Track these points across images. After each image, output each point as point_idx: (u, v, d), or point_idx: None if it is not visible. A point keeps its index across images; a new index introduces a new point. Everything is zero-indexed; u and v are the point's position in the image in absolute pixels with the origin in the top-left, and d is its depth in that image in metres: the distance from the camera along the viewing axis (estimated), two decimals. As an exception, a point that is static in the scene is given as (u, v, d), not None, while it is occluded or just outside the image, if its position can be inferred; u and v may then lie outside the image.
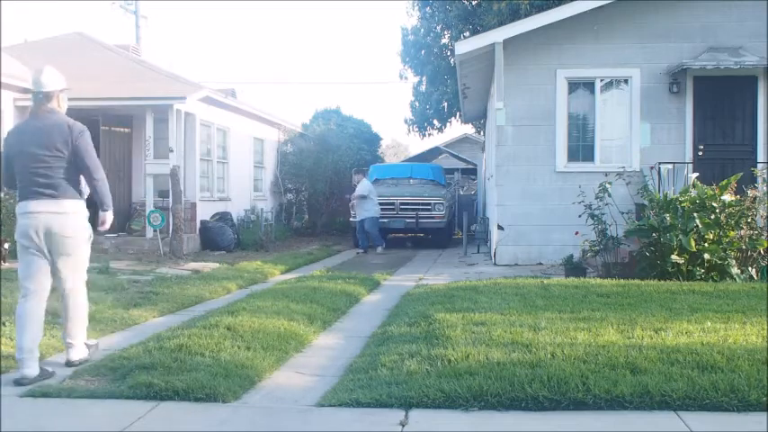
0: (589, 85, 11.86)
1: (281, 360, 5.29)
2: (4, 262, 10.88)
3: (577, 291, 7.68)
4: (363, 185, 15.58)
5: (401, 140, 53.47)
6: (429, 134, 25.23)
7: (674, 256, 8.63)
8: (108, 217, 5.25)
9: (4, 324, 6.01)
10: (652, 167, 10.92)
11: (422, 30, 22.58)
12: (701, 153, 11.55)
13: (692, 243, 8.52)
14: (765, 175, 9.63)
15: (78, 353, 5.15)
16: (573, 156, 11.83)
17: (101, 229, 5.34)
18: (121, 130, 15.46)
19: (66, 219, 4.95)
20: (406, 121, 25.20)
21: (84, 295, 5.23)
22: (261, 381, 4.79)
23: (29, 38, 23.48)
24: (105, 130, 14.73)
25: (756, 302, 6.84)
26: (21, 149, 4.95)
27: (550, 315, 6.30)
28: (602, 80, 11.79)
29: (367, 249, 15.45)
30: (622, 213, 9.98)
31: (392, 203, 16.23)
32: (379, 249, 15.24)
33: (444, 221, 16.78)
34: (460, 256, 14.19)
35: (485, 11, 19.18)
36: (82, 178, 5.04)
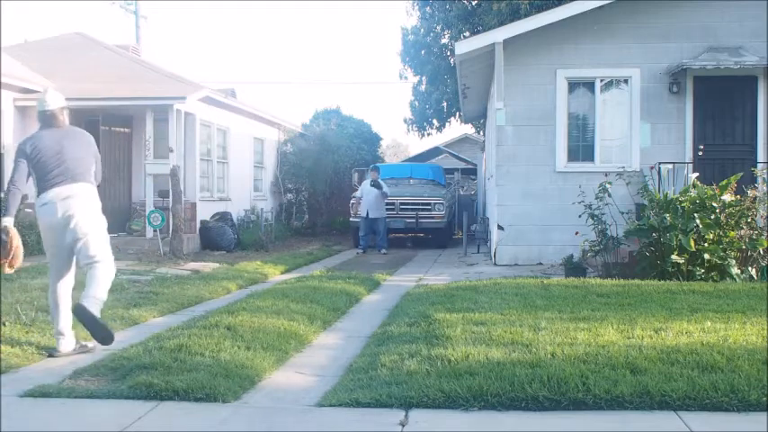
0: (589, 85, 11.86)
1: (281, 360, 5.29)
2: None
3: (577, 291, 7.68)
4: (378, 186, 15.53)
5: (401, 140, 53.44)
6: (428, 134, 25.24)
7: (674, 256, 8.64)
8: None
9: (4, 324, 6.01)
10: (652, 167, 10.91)
11: (422, 30, 22.57)
12: (701, 153, 11.55)
13: (692, 243, 8.52)
14: (765, 175, 9.63)
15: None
16: (573, 156, 11.83)
17: None
18: (121, 130, 15.46)
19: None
20: (405, 121, 25.21)
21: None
22: (261, 381, 4.79)
23: (29, 38, 23.49)
24: (105, 130, 14.72)
25: (756, 302, 6.84)
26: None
27: (550, 315, 6.30)
28: (602, 80, 11.79)
29: (366, 249, 15.46)
30: (622, 213, 9.98)
31: (392, 203, 16.22)
32: (383, 251, 15.26)
33: (444, 221, 16.79)
34: (460, 256, 14.19)
35: (485, 11, 19.18)
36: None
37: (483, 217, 17.16)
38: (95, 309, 5.26)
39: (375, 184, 15.42)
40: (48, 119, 5.60)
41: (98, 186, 5.73)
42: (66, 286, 5.57)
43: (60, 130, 5.59)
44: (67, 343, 5.47)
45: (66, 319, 5.48)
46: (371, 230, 15.58)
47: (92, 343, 5.67)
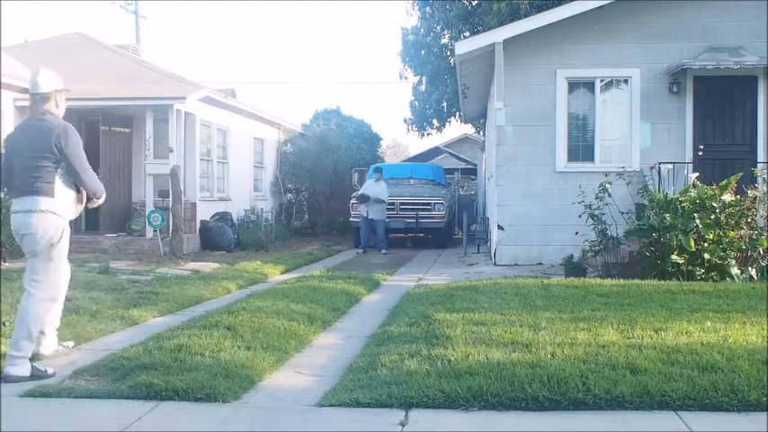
0: (589, 85, 11.86)
1: (281, 360, 5.29)
2: (5, 262, 10.88)
3: (577, 291, 7.68)
4: (382, 187, 15.54)
5: (401, 140, 53.44)
6: (428, 134, 25.26)
7: (674, 256, 8.64)
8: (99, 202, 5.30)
9: (4, 324, 6.01)
10: (652, 167, 10.91)
11: (422, 30, 22.58)
12: (701, 153, 11.55)
13: (692, 243, 8.53)
14: (765, 175, 9.63)
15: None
16: (573, 156, 11.83)
17: (90, 206, 5.31)
18: (121, 130, 15.45)
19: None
20: (405, 121, 25.23)
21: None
22: (261, 381, 4.79)
23: (29, 38, 23.48)
24: (105, 130, 14.72)
25: (756, 302, 6.84)
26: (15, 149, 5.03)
27: (550, 315, 6.30)
28: (602, 80, 11.79)
29: (366, 249, 15.45)
30: (622, 213, 9.98)
31: (392, 203, 16.22)
32: (383, 251, 15.23)
33: (444, 221, 16.79)
34: (460, 256, 14.19)
35: (485, 11, 19.18)
36: (58, 178, 4.96)
37: (483, 217, 17.17)
38: (22, 368, 4.75)
39: (379, 196, 15.45)
40: (38, 104, 4.98)
41: (80, 190, 5.08)
42: None
43: (37, 126, 4.93)
44: (49, 344, 5.25)
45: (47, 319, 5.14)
46: (371, 230, 15.60)
47: (71, 342, 5.61)
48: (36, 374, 4.78)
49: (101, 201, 5.28)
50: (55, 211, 4.91)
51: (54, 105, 5.03)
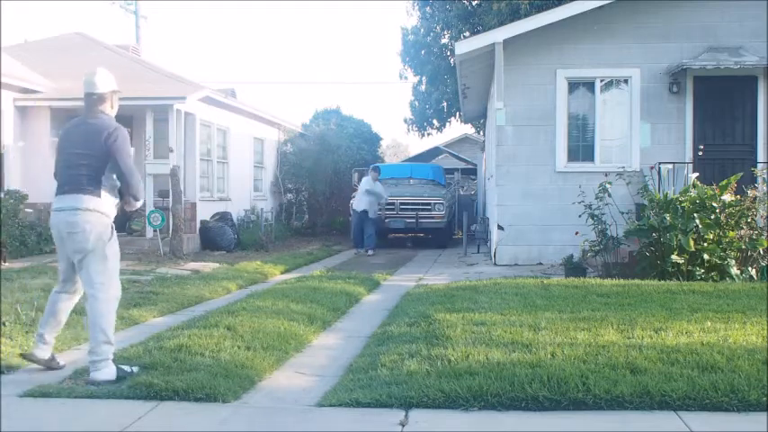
0: (589, 85, 11.86)
1: (281, 360, 5.29)
2: (5, 262, 10.88)
3: (577, 291, 7.68)
4: (378, 184, 15.39)
5: (401, 140, 53.47)
6: (428, 134, 25.26)
7: (674, 256, 8.64)
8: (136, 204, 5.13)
9: (4, 324, 6.01)
10: (652, 167, 10.91)
11: (422, 30, 22.58)
12: (701, 153, 11.55)
13: (692, 243, 8.53)
14: (765, 175, 9.63)
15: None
16: (573, 156, 11.83)
17: (127, 208, 5.18)
18: (121, 130, 15.42)
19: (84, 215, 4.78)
20: (405, 121, 25.24)
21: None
22: (261, 381, 4.79)
23: (29, 38, 23.49)
24: (105, 130, 14.70)
25: (756, 302, 6.84)
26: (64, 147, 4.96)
27: (550, 315, 6.30)
28: (602, 80, 11.79)
29: (367, 249, 15.42)
30: (622, 213, 9.98)
31: (392, 203, 16.21)
32: (370, 252, 15.06)
33: (444, 221, 16.78)
34: (460, 256, 14.19)
35: (485, 11, 19.19)
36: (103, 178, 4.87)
37: (483, 217, 17.16)
38: (105, 372, 4.63)
39: (374, 189, 15.29)
40: (94, 104, 4.89)
41: (125, 198, 4.96)
42: (64, 298, 4.99)
43: (91, 125, 4.85)
44: (46, 348, 4.97)
45: (52, 330, 4.97)
46: (362, 227, 15.34)
47: (62, 362, 5.13)
48: (121, 375, 4.64)
49: (138, 204, 5.13)
50: (101, 211, 4.79)
51: (109, 106, 4.98)
